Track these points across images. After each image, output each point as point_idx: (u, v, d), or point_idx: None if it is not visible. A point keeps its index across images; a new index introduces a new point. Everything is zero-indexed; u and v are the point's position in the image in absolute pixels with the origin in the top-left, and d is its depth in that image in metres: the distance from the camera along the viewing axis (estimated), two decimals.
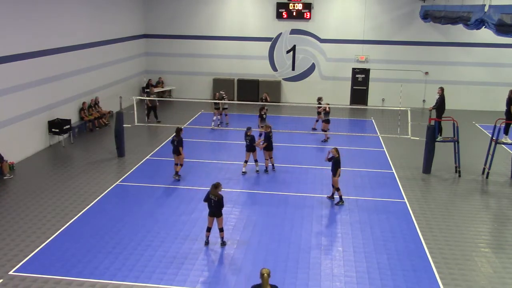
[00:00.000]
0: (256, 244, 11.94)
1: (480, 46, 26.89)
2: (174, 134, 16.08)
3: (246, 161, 16.87)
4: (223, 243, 11.80)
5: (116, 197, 14.71)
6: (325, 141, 20.74)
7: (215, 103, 22.50)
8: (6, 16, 16.69)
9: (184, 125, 22.37)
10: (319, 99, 21.86)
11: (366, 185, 15.99)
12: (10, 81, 17.05)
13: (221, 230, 11.75)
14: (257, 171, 16.90)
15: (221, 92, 23.66)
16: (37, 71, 18.57)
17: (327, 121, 20.96)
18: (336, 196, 14.59)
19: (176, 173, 16.09)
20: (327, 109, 20.72)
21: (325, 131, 20.97)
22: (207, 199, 11.59)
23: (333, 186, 14.50)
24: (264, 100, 22.83)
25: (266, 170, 17.06)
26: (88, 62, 22.54)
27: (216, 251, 11.60)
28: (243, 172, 16.76)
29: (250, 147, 16.69)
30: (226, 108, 23.34)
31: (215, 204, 11.49)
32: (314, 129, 22.55)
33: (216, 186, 11.53)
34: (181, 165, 16.10)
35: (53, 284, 10.02)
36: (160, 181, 15.92)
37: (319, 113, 21.91)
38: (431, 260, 11.31)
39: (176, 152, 15.93)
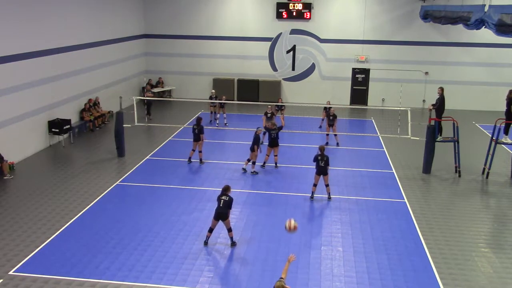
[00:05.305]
0: (256, 244, 11.94)
1: (480, 46, 26.89)
2: (195, 123, 17.62)
3: (267, 155, 17.56)
4: (233, 243, 11.77)
5: (116, 197, 14.71)
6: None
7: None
8: (6, 16, 16.68)
9: (184, 125, 22.40)
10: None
11: (366, 185, 15.99)
12: (10, 81, 17.05)
13: (229, 230, 11.72)
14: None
15: (212, 91, 24.65)
16: (37, 71, 18.57)
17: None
18: (332, 196, 14.82)
19: (200, 160, 17.72)
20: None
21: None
22: (218, 199, 11.65)
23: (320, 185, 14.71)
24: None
25: (263, 165, 17.38)
26: (88, 62, 22.54)
27: (216, 251, 11.60)
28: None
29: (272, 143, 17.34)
30: (222, 107, 23.35)
31: (224, 204, 11.47)
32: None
33: (227, 189, 11.67)
34: (201, 151, 17.69)
35: (53, 284, 10.02)
36: (160, 181, 15.92)
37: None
38: (431, 260, 11.31)
39: (197, 139, 17.37)
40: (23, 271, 10.50)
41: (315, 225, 13.06)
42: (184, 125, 22.38)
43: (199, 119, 17.68)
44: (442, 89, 18.10)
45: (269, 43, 28.62)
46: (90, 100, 22.50)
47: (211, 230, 11.75)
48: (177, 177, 16.38)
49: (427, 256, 11.47)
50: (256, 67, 28.88)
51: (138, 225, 12.77)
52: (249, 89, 28.83)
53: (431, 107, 17.51)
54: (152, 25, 29.10)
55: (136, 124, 19.60)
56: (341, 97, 28.28)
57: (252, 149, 16.71)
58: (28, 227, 12.50)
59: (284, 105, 23.36)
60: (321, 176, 14.40)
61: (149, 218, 13.21)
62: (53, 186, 15.40)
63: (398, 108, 20.75)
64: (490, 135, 17.41)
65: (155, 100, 24.95)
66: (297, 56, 28.59)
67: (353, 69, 28.47)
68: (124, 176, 16.35)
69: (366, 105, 28.48)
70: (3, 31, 16.56)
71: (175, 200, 14.45)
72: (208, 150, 18.87)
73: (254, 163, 16.85)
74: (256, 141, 16.69)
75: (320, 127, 23.05)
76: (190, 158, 17.73)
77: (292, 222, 9.64)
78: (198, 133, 17.41)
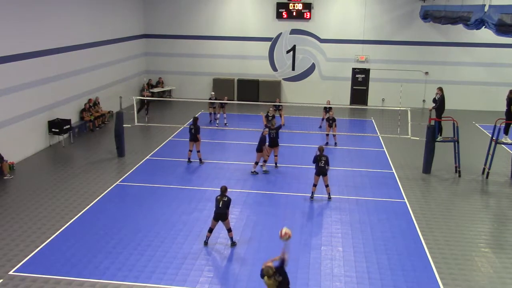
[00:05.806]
0: (256, 244, 11.94)
1: (480, 46, 26.89)
2: (192, 123, 17.66)
3: (267, 155, 17.45)
4: (233, 243, 11.78)
5: (116, 197, 14.71)
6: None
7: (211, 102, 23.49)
8: (6, 16, 16.68)
9: (184, 125, 22.38)
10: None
11: (366, 185, 15.99)
12: (10, 81, 17.05)
13: (229, 230, 11.73)
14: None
15: (212, 93, 24.83)
16: (37, 71, 18.57)
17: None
18: (332, 196, 14.81)
19: (200, 160, 17.67)
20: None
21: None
22: (216, 201, 11.63)
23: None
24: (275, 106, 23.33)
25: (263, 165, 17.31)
26: (88, 62, 22.54)
27: (216, 251, 11.60)
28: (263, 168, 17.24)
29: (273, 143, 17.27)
30: (222, 107, 23.37)
31: (223, 205, 11.47)
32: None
33: (225, 190, 11.67)
34: (199, 151, 17.65)
35: (53, 284, 10.03)
36: (160, 181, 15.92)
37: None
38: (431, 260, 11.31)
39: (194, 139, 17.35)
40: (23, 271, 10.50)
41: (315, 225, 13.06)
42: (184, 125, 22.35)
43: (195, 119, 17.69)
44: (441, 89, 18.11)
45: (269, 43, 28.62)
46: (90, 100, 22.50)
47: (211, 230, 11.75)
48: (177, 177, 16.38)
49: (427, 256, 11.47)
50: (256, 67, 28.88)
51: (138, 225, 12.77)
52: (249, 89, 28.82)
53: (432, 108, 17.51)
54: (152, 25, 29.09)
55: (136, 124, 19.60)
56: (341, 97, 28.28)
57: (259, 150, 16.71)
58: (28, 227, 12.50)
59: (281, 105, 23.43)
60: (321, 176, 14.41)
61: (149, 218, 13.21)
62: (53, 186, 15.40)
63: (398, 108, 20.74)
64: (490, 135, 17.41)
65: (154, 100, 25.00)
66: (297, 56, 28.58)
67: (353, 69, 28.46)
68: (124, 176, 16.34)
69: (366, 105, 28.48)
70: (3, 31, 16.56)
71: (175, 200, 14.45)
72: (208, 150, 18.88)
73: (256, 163, 16.84)
74: (262, 142, 16.72)
75: (320, 127, 23.06)
76: (189, 158, 17.73)
77: (284, 229, 8.98)
78: (194, 133, 17.40)
